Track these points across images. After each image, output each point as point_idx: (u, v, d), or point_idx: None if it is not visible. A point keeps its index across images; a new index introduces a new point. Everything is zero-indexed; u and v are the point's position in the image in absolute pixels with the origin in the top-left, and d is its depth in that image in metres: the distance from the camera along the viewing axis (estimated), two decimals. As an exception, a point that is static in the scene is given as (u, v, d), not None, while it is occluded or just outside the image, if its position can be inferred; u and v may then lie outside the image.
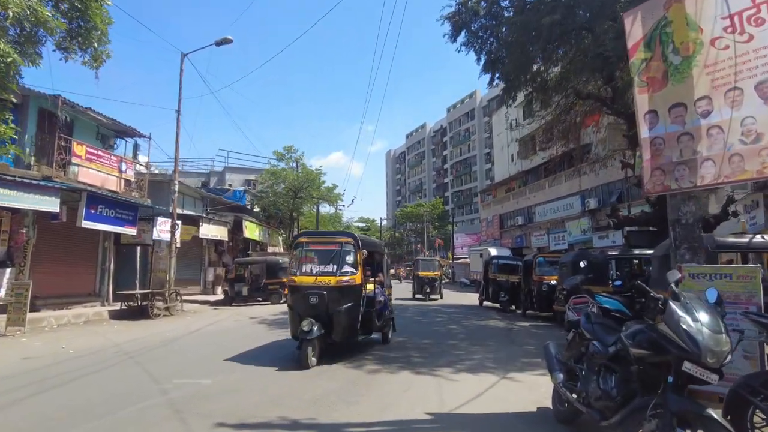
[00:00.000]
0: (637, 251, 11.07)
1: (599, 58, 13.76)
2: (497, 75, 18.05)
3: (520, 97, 44.20)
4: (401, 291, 26.78)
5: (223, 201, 25.58)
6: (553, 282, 13.25)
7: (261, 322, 12.75)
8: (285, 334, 9.00)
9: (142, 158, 21.71)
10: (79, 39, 10.76)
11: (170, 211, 18.10)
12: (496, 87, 19.36)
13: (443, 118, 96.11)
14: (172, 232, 17.35)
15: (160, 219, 18.07)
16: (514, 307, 16.73)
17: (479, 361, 7.58)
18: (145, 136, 19.09)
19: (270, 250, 31.23)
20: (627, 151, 16.04)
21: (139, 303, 15.10)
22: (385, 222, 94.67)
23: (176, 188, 17.48)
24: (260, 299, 19.94)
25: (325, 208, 35.82)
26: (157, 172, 24.57)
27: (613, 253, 11.32)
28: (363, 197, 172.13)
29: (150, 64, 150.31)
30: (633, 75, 5.65)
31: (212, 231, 22.79)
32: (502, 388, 5.95)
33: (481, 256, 33.69)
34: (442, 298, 21.01)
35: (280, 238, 29.73)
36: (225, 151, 69.34)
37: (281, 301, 19.80)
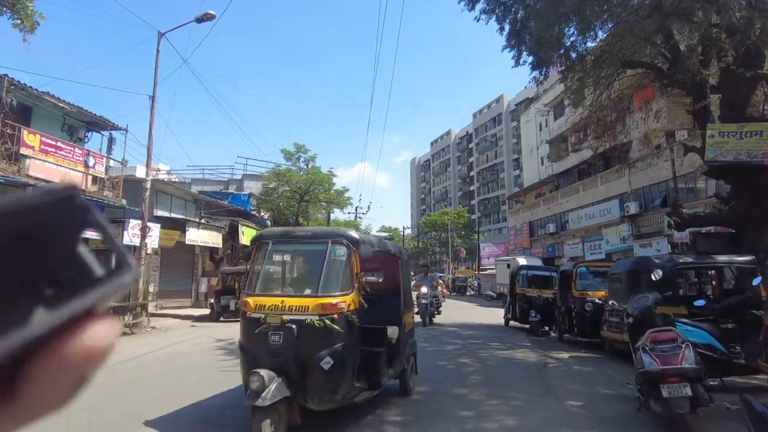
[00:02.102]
0: (724, 257, 7.94)
1: (655, 14, 10.77)
2: (524, 48, 15.15)
3: (550, 96, 41.35)
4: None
5: (218, 204, 23.21)
6: (599, 299, 10.16)
7: (228, 348, 10.03)
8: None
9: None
10: None
11: (144, 212, 15.70)
12: (526, 85, 16.37)
13: (469, 124, 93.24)
14: (142, 236, 14.92)
15: (134, 222, 15.69)
16: (546, 328, 13.61)
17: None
18: (120, 129, 16.87)
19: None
20: (687, 133, 12.92)
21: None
22: (408, 231, 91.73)
23: (148, 185, 15.08)
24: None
25: (341, 215, 33.22)
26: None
27: (686, 259, 8.18)
28: (387, 206, 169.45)
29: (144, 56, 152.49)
30: None
31: (203, 237, 20.38)
32: None
33: (508, 266, 30.38)
34: (440, 313, 16.76)
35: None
36: (244, 158, 67.57)
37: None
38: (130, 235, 15.71)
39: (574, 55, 14.89)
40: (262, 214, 29.70)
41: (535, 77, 15.41)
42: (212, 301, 18.13)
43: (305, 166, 25.20)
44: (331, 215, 39.03)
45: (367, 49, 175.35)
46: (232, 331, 13.64)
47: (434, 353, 9.22)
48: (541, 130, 44.79)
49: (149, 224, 16.74)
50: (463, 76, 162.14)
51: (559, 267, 14.53)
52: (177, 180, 32.12)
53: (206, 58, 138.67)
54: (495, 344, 10.74)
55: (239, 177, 50.00)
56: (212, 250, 23.11)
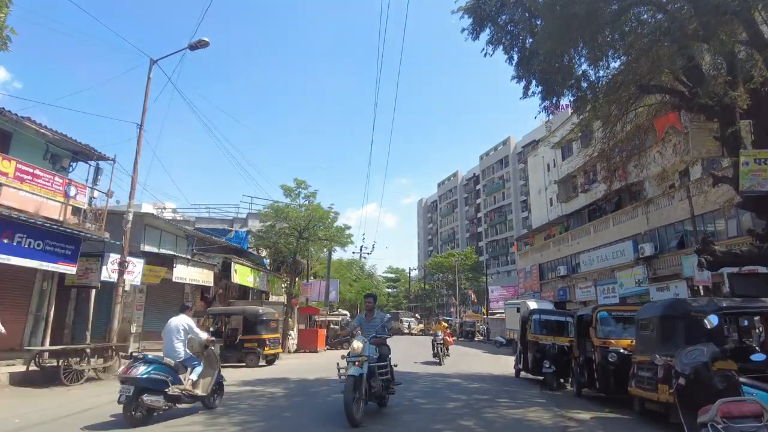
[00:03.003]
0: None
1: (675, 35, 9.92)
2: (533, 78, 14.38)
3: (558, 136, 40.75)
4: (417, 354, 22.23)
5: (212, 240, 22.14)
6: (624, 349, 8.79)
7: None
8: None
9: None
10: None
11: (124, 245, 14.66)
12: (536, 115, 15.53)
13: (476, 166, 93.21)
14: (120, 272, 13.81)
15: (114, 256, 14.62)
16: (562, 380, 12.09)
17: None
18: (107, 159, 16.07)
19: (274, 299, 27.47)
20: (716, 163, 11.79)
21: (59, 363, 11.40)
22: (415, 272, 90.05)
23: (130, 217, 14.10)
24: (236, 360, 15.93)
25: (345, 254, 31.89)
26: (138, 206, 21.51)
27: (731, 302, 6.90)
28: (395, 247, 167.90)
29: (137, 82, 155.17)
30: None
31: (192, 274, 19.23)
32: None
33: (518, 310, 28.80)
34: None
35: (283, 286, 25.88)
36: (249, 197, 67.21)
37: (260, 364, 15.74)
38: (109, 270, 14.62)
39: (585, 84, 14.13)
40: (261, 252, 28.59)
41: (545, 107, 14.53)
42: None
43: (306, 203, 24.25)
44: (334, 254, 37.85)
45: (369, 93, 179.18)
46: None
47: (432, 412, 7.80)
48: (549, 170, 44.05)
49: (132, 259, 15.69)
50: (470, 118, 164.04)
51: (575, 311, 13.15)
52: (182, 218, 31.33)
53: (204, 90, 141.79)
54: (504, 401, 9.26)
55: (244, 216, 49.46)
56: (204, 289, 21.91)
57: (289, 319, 24.34)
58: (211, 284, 20.76)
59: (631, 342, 8.69)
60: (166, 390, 6.98)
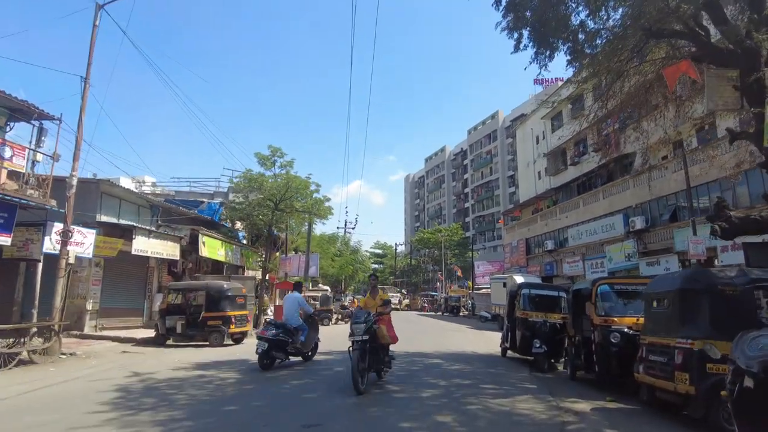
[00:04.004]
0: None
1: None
2: (524, 30, 12.93)
3: (542, 111, 39.41)
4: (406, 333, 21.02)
5: (179, 211, 20.58)
6: (629, 328, 7.61)
7: (132, 390, 7.34)
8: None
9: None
10: None
11: (75, 214, 13.13)
12: (526, 66, 14.01)
13: (464, 141, 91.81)
14: (63, 243, 12.29)
15: (58, 226, 13.05)
16: (553, 361, 10.97)
17: None
18: (52, 118, 14.37)
19: (250, 274, 26.12)
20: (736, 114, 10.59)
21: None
22: (401, 248, 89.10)
23: (74, 182, 12.53)
24: (201, 339, 14.62)
25: (326, 228, 30.48)
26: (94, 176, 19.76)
27: (761, 273, 5.69)
28: (383, 224, 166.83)
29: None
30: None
31: (155, 247, 17.75)
32: None
33: (504, 285, 27.83)
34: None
35: (259, 261, 24.46)
36: (230, 170, 65.16)
37: (225, 343, 14.44)
38: (53, 241, 13.08)
39: (582, 36, 12.72)
40: (235, 225, 27.08)
41: (537, 61, 13.07)
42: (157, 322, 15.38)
43: (282, 172, 22.66)
44: (316, 229, 36.45)
45: (357, 63, 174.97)
46: (169, 360, 11.01)
47: (404, 404, 6.56)
48: (538, 143, 42.88)
49: (81, 229, 14.17)
50: (458, 92, 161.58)
51: (569, 285, 11.96)
52: (161, 192, 29.61)
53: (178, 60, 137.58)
54: (489, 387, 8.05)
55: (225, 190, 47.71)
56: (171, 263, 20.45)
57: (265, 295, 23.04)
58: (177, 257, 19.29)
59: (637, 320, 7.51)
60: (286, 347, 10.17)
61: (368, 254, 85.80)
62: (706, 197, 22.33)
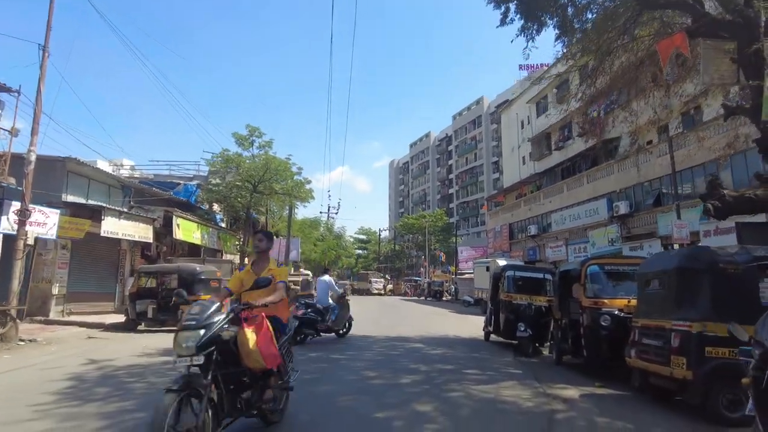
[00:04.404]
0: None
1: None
2: (512, 5, 12.43)
3: (527, 96, 39.00)
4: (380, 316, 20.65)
5: (152, 192, 19.75)
6: (620, 310, 7.22)
7: (87, 380, 6.75)
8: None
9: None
10: None
11: (38, 193, 12.31)
12: (513, 40, 13.47)
13: (448, 126, 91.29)
14: (21, 222, 11.50)
15: (17, 205, 12.22)
16: (538, 345, 10.62)
17: None
18: (10, 91, 13.47)
19: (229, 258, 25.40)
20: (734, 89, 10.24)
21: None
22: (386, 233, 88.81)
23: (33, 158, 11.68)
24: (171, 323, 13.98)
25: (308, 212, 29.80)
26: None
27: (765, 252, 5.30)
28: (367, 210, 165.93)
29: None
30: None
31: (126, 229, 16.97)
32: None
33: (487, 269, 27.59)
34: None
35: (237, 244, 23.76)
36: (209, 153, 63.56)
37: (197, 328, 13.84)
38: (11, 221, 12.27)
39: (571, 10, 12.23)
40: (215, 207, 26.26)
41: (525, 35, 12.54)
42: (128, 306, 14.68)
43: (261, 153, 21.90)
44: (299, 213, 35.78)
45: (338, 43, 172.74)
46: (136, 345, 10.39)
47: (381, 392, 6.07)
48: (523, 127, 42.55)
49: (42, 209, 13.38)
50: (443, 77, 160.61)
51: (555, 267, 11.57)
52: (139, 176, 28.57)
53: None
54: (472, 372, 7.64)
55: (205, 173, 46.58)
56: (145, 246, 19.66)
57: (243, 279, 22.37)
58: (150, 239, 18.52)
59: (629, 302, 7.12)
60: (316, 325, 11.07)
61: (352, 239, 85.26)
62: (690, 183, 22.26)
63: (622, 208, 25.73)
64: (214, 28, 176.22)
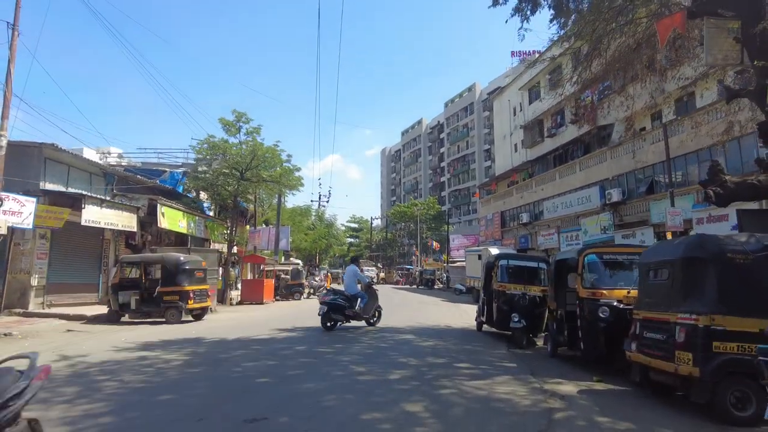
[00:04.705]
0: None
1: None
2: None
3: (526, 77, 38.55)
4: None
5: (136, 180, 19.18)
6: (619, 302, 6.90)
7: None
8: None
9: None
10: None
11: (13, 181, 11.77)
12: (508, 19, 12.97)
13: (440, 114, 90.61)
14: (-7, 211, 10.97)
15: (-10, 192, 11.70)
16: (532, 335, 10.34)
17: None
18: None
19: (217, 247, 24.92)
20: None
21: None
22: (378, 222, 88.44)
23: (4, 143, 11.13)
24: (158, 315, 13.59)
25: (298, 200, 29.20)
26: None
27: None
28: (360, 199, 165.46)
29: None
30: None
31: (109, 217, 16.43)
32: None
33: (479, 258, 27.37)
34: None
35: (225, 233, 23.25)
36: (196, 140, 62.56)
37: (183, 319, 13.46)
38: (-18, 210, 11.74)
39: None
40: (202, 196, 25.67)
41: (519, 13, 12.10)
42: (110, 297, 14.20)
43: (248, 139, 21.27)
44: (287, 202, 35.23)
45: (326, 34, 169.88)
46: (115, 339, 9.99)
47: (368, 389, 5.72)
48: (515, 114, 42.16)
49: (19, 197, 12.83)
50: (436, 64, 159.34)
51: (551, 256, 11.25)
52: (127, 164, 27.85)
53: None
54: (464, 366, 7.31)
55: (193, 161, 45.76)
56: (129, 235, 19.13)
57: (230, 269, 21.94)
58: (134, 228, 17.99)
59: (628, 293, 6.81)
60: (345, 312, 11.65)
61: (344, 228, 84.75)
62: (683, 170, 22.04)
63: (615, 195, 25.51)
64: (200, 14, 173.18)
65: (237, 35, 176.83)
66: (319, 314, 11.52)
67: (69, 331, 11.73)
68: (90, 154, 22.92)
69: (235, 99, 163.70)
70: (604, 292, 7.02)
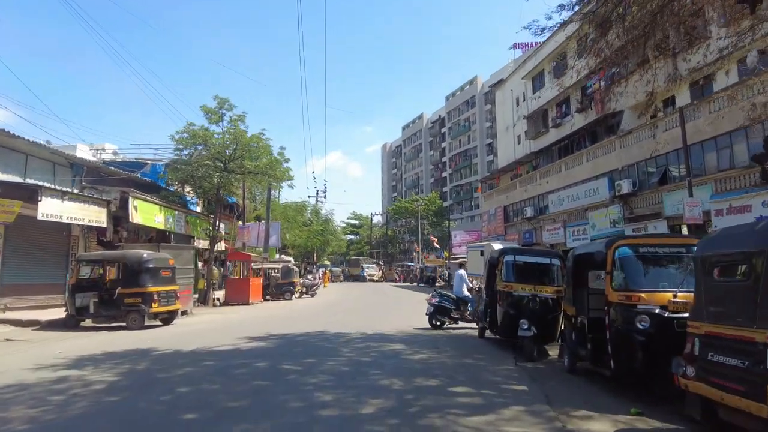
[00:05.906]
0: None
1: None
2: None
3: (529, 65, 36.87)
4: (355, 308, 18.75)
5: (108, 171, 17.63)
6: (663, 308, 5.26)
7: None
8: None
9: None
10: None
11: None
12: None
13: (441, 108, 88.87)
14: None
15: None
16: (546, 347, 8.72)
17: None
18: None
19: (203, 244, 23.42)
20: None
21: None
22: (378, 218, 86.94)
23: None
24: (119, 319, 12.07)
25: (291, 194, 27.60)
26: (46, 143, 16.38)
27: None
28: (361, 196, 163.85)
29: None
30: None
31: (74, 211, 14.89)
32: None
33: (481, 254, 25.69)
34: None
35: (209, 228, 21.69)
36: (173, 136, 60.89)
37: (147, 324, 11.91)
38: None
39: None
40: (187, 189, 24.13)
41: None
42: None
43: (232, 128, 19.70)
44: (280, 197, 33.69)
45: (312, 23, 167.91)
46: (52, 350, 8.44)
47: (337, 424, 4.19)
48: (518, 105, 40.53)
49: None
50: (437, 57, 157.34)
51: (568, 249, 9.60)
52: (121, 160, 26.38)
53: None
54: (461, 391, 5.69)
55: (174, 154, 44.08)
56: (101, 231, 17.59)
57: (213, 268, 20.40)
58: (103, 224, 16.44)
59: (675, 296, 5.19)
60: (450, 314, 12.53)
61: (343, 224, 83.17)
62: (699, 159, 20.37)
63: (625, 186, 23.83)
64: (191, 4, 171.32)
65: (237, 35, 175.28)
66: (426, 313, 12.53)
67: (7, 340, 10.20)
68: (83, 150, 21.57)
69: (236, 99, 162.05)
70: (643, 295, 5.35)
